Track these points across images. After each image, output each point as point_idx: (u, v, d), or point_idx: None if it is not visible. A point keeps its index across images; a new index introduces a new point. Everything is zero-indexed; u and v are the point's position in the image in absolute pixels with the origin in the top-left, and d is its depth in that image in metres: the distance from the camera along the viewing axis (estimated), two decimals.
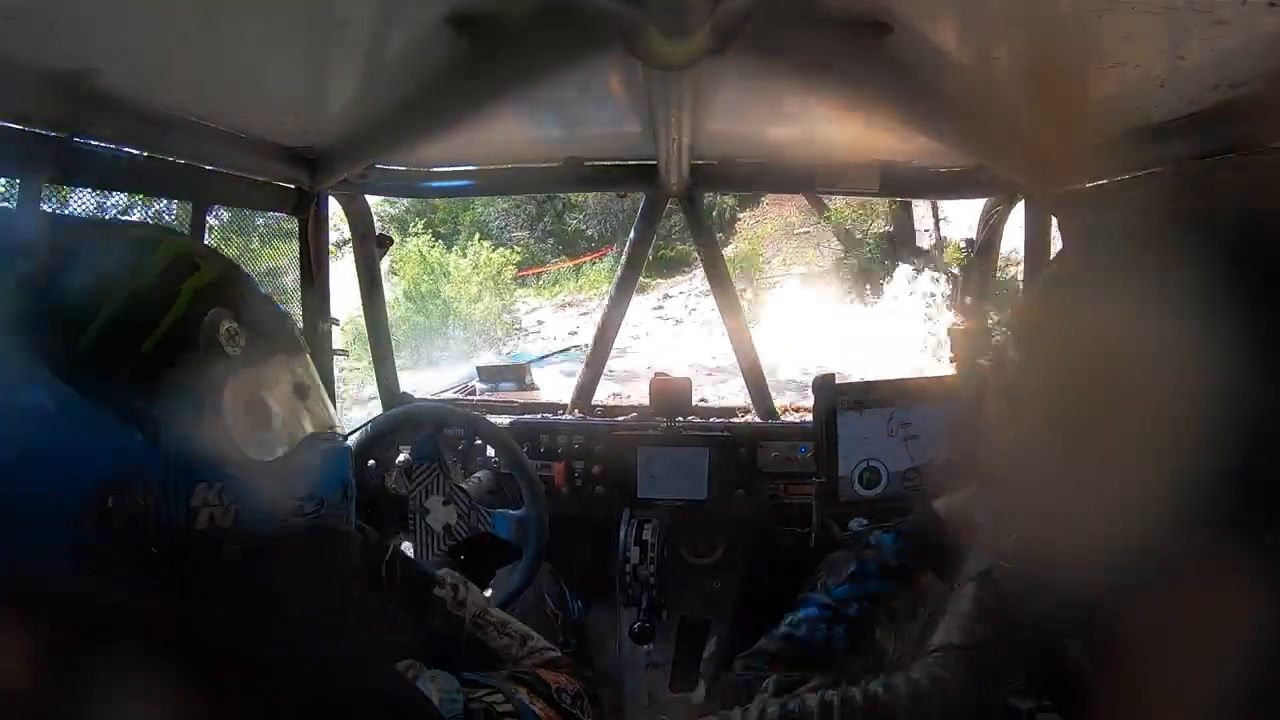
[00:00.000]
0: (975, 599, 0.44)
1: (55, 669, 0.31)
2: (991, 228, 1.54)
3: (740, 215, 11.34)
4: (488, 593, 1.14)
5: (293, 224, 1.40)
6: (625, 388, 5.45)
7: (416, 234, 9.85)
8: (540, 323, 10.26)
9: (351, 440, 1.37)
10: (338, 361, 1.60)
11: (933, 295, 6.98)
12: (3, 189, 0.85)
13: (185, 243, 0.55)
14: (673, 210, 1.73)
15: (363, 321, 1.73)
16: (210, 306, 0.49)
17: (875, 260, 8.45)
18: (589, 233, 11.67)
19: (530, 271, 11.18)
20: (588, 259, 11.48)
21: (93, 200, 1.06)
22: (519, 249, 10.64)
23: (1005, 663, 0.41)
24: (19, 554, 0.41)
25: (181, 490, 0.45)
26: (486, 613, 0.77)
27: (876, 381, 1.42)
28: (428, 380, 5.67)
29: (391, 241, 1.62)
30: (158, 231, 0.55)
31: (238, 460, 0.48)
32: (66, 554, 0.42)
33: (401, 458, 1.57)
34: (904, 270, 7.82)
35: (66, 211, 1.00)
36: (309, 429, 0.54)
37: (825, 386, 1.33)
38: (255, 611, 0.46)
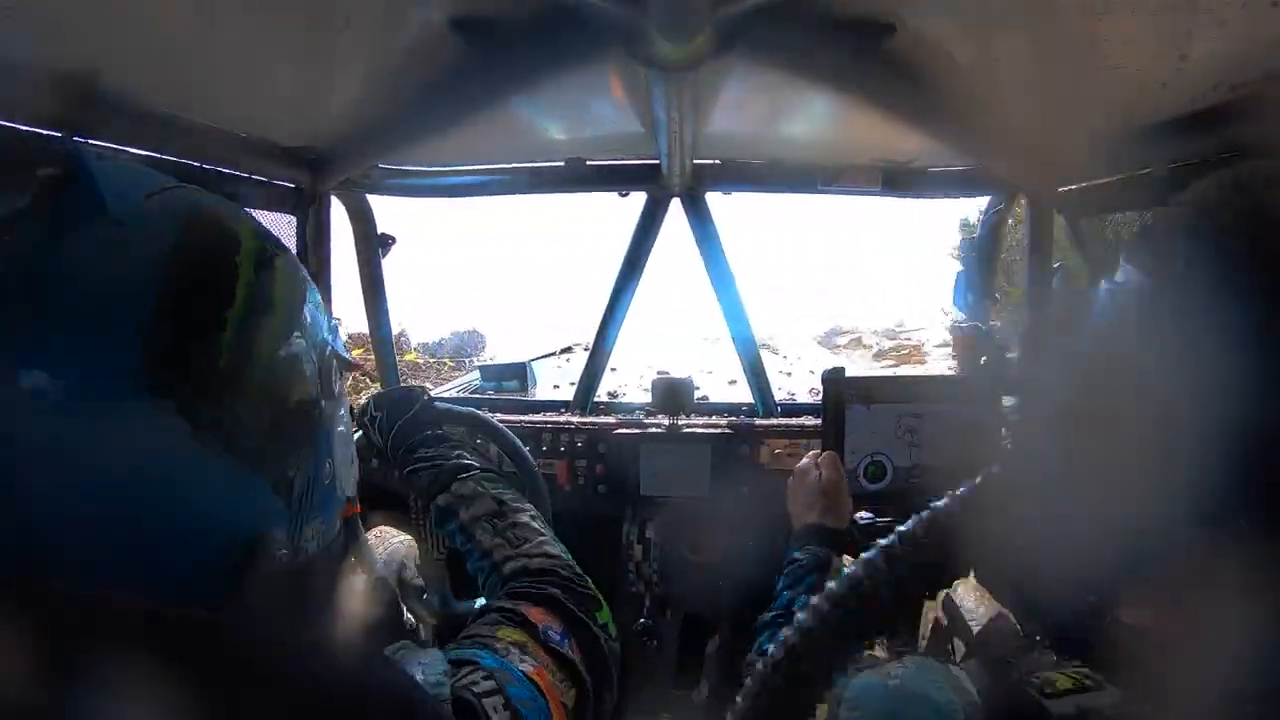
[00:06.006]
0: None
1: (66, 676, 0.31)
2: (992, 228, 1.54)
3: None
4: (479, 601, 1.16)
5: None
6: None
7: None
8: None
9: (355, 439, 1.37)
10: None
11: None
12: None
13: (304, 276, 0.47)
14: None
15: None
16: (333, 355, 0.47)
17: None
18: None
19: None
20: None
21: None
22: None
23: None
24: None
25: (300, 535, 0.45)
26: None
27: (885, 377, 1.43)
28: None
29: (394, 241, 1.61)
30: (284, 259, 0.45)
31: (337, 497, 0.49)
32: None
33: None
34: None
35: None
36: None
37: (834, 380, 1.33)
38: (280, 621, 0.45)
